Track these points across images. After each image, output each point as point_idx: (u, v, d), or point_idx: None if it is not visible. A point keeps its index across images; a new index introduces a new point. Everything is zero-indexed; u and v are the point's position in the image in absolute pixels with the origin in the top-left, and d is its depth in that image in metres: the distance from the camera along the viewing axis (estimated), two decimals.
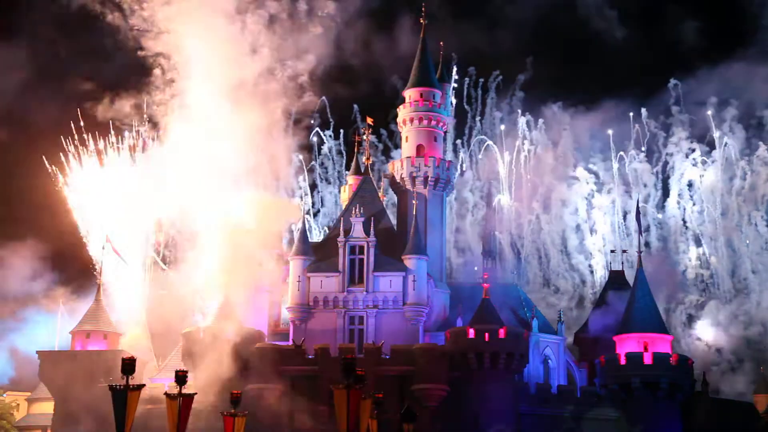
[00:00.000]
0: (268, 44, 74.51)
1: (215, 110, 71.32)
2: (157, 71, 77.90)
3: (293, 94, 77.56)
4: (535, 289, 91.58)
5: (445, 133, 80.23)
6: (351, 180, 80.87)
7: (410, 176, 74.85)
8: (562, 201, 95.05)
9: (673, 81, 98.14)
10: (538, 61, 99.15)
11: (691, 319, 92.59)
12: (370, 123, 79.99)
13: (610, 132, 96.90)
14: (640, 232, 73.71)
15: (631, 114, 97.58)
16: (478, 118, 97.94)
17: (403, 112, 76.89)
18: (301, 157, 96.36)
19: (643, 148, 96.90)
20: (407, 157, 75.57)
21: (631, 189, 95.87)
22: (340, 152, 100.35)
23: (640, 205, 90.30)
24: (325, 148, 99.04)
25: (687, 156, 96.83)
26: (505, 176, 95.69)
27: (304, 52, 76.84)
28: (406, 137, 76.93)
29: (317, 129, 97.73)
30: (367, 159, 76.44)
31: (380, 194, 76.30)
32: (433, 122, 76.35)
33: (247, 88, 72.73)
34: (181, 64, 73.83)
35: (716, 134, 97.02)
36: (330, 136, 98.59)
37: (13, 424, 77.42)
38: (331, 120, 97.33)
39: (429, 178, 74.73)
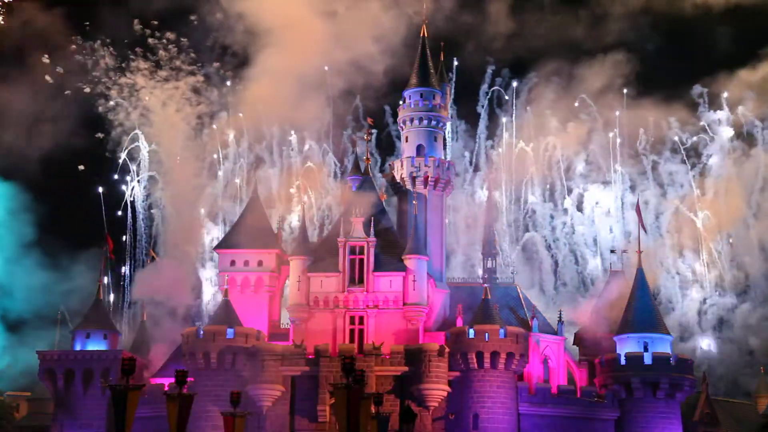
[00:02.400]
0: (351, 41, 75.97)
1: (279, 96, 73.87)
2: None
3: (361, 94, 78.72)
4: (571, 291, 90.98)
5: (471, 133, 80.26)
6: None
7: (410, 176, 74.84)
8: (596, 202, 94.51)
9: (698, 87, 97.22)
10: (573, 63, 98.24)
11: (722, 322, 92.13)
12: (371, 123, 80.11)
13: (642, 131, 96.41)
14: (639, 232, 73.69)
15: (666, 121, 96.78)
16: (509, 120, 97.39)
17: (403, 113, 76.91)
18: (334, 159, 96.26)
19: (682, 150, 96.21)
20: (407, 157, 75.58)
21: (666, 190, 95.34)
22: (371, 154, 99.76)
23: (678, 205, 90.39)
24: (358, 150, 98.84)
25: (724, 156, 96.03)
26: (539, 178, 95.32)
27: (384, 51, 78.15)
28: (406, 137, 76.92)
29: (349, 130, 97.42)
30: (367, 159, 76.44)
31: (381, 194, 76.22)
32: (433, 122, 76.34)
33: (313, 81, 74.77)
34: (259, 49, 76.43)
35: (758, 124, 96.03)
36: (362, 138, 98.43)
37: (13, 424, 77.38)
38: (363, 123, 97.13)
39: (429, 178, 74.71)
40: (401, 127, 77.49)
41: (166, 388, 63.49)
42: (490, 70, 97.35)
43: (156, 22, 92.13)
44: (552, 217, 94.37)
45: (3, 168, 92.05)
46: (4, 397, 79.25)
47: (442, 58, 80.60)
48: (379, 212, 72.75)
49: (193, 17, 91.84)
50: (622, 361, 67.06)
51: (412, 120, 76.31)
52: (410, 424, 49.51)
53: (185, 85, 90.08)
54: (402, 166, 75.55)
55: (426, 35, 79.17)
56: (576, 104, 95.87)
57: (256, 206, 75.65)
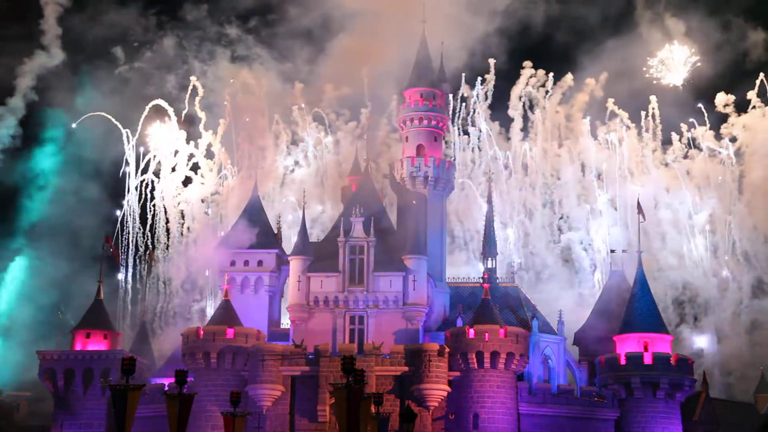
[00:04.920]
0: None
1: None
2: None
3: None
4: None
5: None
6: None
7: (410, 176, 74.83)
8: (630, 201, 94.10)
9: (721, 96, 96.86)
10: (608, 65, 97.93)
11: (754, 325, 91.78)
12: (370, 122, 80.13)
13: (674, 137, 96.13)
14: (639, 231, 73.68)
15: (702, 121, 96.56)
16: (540, 121, 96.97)
17: (403, 112, 76.90)
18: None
19: (718, 151, 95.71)
20: (407, 157, 75.57)
21: (702, 191, 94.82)
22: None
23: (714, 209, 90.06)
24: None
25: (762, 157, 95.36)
26: (572, 181, 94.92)
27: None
28: (406, 137, 76.90)
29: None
30: (367, 159, 76.38)
31: (380, 194, 76.22)
32: (434, 122, 76.31)
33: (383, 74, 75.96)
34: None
35: None
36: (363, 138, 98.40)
37: (13, 424, 77.41)
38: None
39: (429, 178, 74.70)
40: (401, 127, 77.48)
41: (166, 388, 63.58)
42: (528, 72, 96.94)
43: (236, 19, 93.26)
44: (587, 219, 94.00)
45: (84, 173, 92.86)
46: (4, 397, 79.25)
47: (441, 59, 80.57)
48: (379, 212, 72.76)
49: (271, 15, 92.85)
50: (622, 361, 67.06)
51: (412, 120, 76.30)
52: (410, 424, 49.49)
53: (257, 77, 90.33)
54: (402, 166, 75.56)
55: (425, 34, 79.26)
56: (609, 107, 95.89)
57: (256, 206, 75.61)
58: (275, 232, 75.09)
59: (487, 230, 78.30)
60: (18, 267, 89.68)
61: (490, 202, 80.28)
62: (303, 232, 71.58)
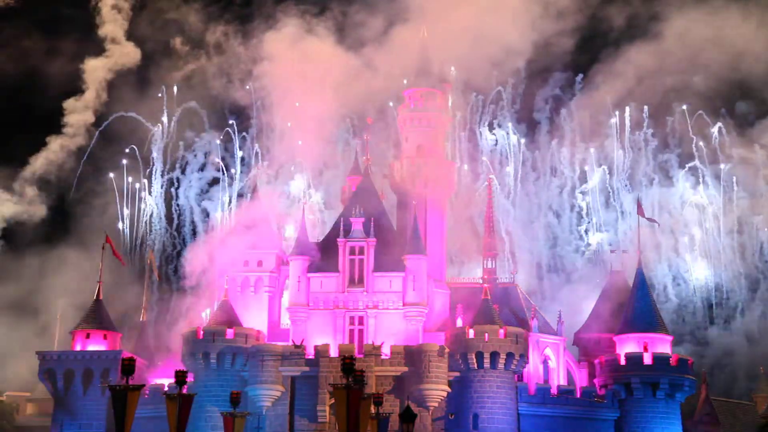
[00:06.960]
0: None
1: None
2: None
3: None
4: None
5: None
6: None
7: (410, 176, 74.82)
8: (659, 204, 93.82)
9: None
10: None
11: None
12: (370, 123, 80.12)
13: (700, 141, 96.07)
14: (639, 231, 73.70)
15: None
16: (567, 123, 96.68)
17: (403, 112, 76.92)
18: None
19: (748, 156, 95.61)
20: (407, 157, 75.57)
21: (730, 193, 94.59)
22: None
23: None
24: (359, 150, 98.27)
25: None
26: (602, 182, 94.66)
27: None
28: (406, 137, 76.91)
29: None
30: (367, 159, 76.45)
31: (380, 194, 76.15)
32: (434, 122, 76.32)
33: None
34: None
35: None
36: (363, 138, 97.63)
37: (13, 424, 77.38)
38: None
39: (429, 178, 74.69)
40: (401, 127, 77.51)
41: (166, 388, 63.57)
42: (557, 75, 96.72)
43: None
44: (616, 220, 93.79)
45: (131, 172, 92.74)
46: (4, 397, 79.20)
47: (441, 62, 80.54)
48: (379, 212, 72.73)
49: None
50: (622, 361, 67.10)
51: (412, 120, 76.34)
52: (410, 425, 49.51)
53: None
54: (402, 166, 75.56)
55: (426, 35, 79.28)
56: (634, 111, 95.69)
57: (256, 206, 75.62)
58: (275, 231, 75.13)
59: (487, 230, 78.29)
60: (72, 270, 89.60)
61: (489, 199, 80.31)
62: (303, 232, 71.59)
